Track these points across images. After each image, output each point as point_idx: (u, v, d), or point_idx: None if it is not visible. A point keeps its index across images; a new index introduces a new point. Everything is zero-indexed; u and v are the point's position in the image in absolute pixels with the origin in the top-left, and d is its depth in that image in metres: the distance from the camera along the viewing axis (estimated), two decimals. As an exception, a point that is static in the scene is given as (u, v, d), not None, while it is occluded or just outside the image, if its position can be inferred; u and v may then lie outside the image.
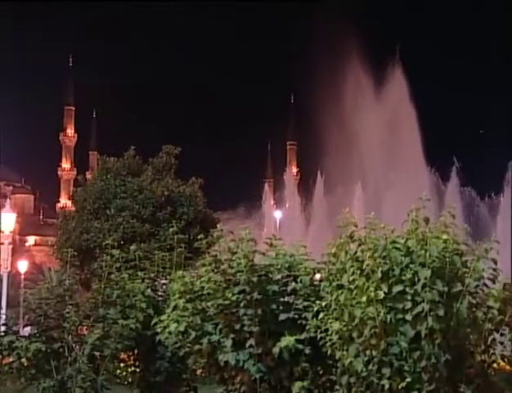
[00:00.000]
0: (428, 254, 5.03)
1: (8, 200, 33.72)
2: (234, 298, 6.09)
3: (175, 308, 6.55)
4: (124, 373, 16.37)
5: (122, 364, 9.21)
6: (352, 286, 5.20)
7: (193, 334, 6.31)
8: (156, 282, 8.67)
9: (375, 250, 5.16)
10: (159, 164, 31.92)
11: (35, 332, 8.05)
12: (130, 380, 9.98)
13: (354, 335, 5.12)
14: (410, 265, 5.05)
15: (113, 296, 8.20)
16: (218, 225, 7.09)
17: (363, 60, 38.92)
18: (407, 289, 4.98)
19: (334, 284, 5.44)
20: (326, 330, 5.42)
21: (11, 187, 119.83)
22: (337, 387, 5.38)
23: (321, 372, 6.06)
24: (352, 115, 38.22)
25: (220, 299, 6.20)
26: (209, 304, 6.30)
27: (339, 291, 5.31)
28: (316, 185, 41.35)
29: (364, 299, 5.02)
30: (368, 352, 4.99)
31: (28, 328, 8.30)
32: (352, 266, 5.26)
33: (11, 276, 33.40)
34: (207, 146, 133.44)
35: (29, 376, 7.86)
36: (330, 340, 5.35)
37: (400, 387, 4.87)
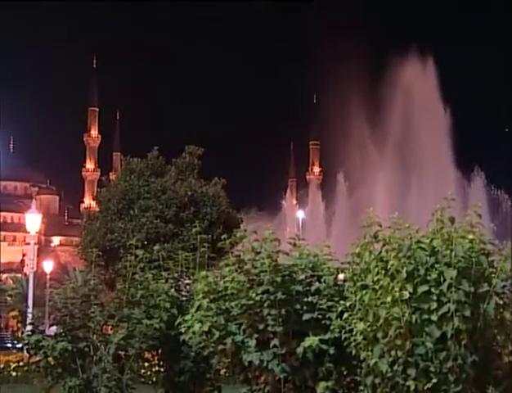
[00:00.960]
0: (453, 254, 4.98)
1: (34, 200, 34.14)
2: (258, 298, 6.08)
3: (199, 308, 6.57)
4: (149, 373, 16.49)
5: (146, 364, 9.25)
6: (376, 287, 5.16)
7: (217, 334, 6.32)
8: (180, 282, 8.69)
9: (399, 250, 5.12)
10: (182, 165, 32.06)
11: (61, 331, 8.11)
12: (154, 379, 10.04)
13: (379, 335, 5.08)
14: (436, 265, 5.00)
15: (137, 296, 8.24)
16: (242, 225, 7.09)
17: (387, 58, 38.69)
18: (433, 289, 4.93)
19: (359, 284, 5.41)
20: (351, 330, 5.39)
21: (36, 188, 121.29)
22: (361, 388, 5.35)
23: (345, 373, 6.03)
24: (375, 114, 38.02)
25: (244, 299, 6.20)
26: (233, 304, 6.30)
27: (364, 292, 5.28)
28: (339, 185, 41.20)
29: (389, 299, 4.98)
30: (393, 353, 4.95)
31: (54, 328, 8.38)
32: (376, 266, 5.22)
33: (36, 276, 33.79)
34: (230, 146, 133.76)
35: (56, 374, 7.93)
36: (355, 340, 5.32)
37: (426, 388, 4.82)
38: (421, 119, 35.73)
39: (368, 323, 5.18)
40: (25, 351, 8.99)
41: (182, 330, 6.74)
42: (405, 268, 5.01)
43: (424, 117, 35.73)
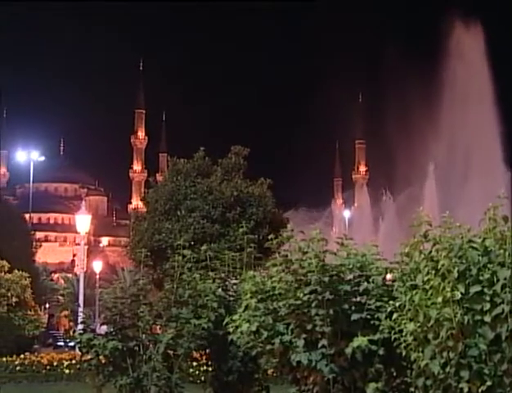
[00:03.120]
0: (507, 253, 4.86)
1: (83, 202, 34.83)
2: (305, 298, 6.05)
3: (247, 308, 6.58)
4: (197, 372, 16.67)
5: (195, 363, 9.33)
6: (426, 287, 5.08)
7: (265, 334, 6.31)
8: (227, 282, 8.73)
9: (450, 249, 5.03)
10: (228, 165, 32.18)
11: (111, 330, 8.24)
12: (203, 379, 10.12)
13: (430, 336, 5.00)
14: (488, 265, 4.89)
15: (185, 296, 8.30)
16: (288, 225, 7.07)
17: (434, 57, 38.09)
18: (486, 290, 4.82)
19: (408, 284, 5.33)
20: (400, 331, 5.32)
21: (85, 190, 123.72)
22: (412, 390, 5.26)
23: (395, 374, 5.95)
24: (424, 112, 37.47)
25: (291, 299, 6.18)
26: (281, 304, 6.29)
27: (414, 292, 5.20)
28: (386, 184, 40.76)
29: (440, 299, 4.90)
30: (445, 354, 4.86)
31: (104, 327, 8.51)
32: (426, 266, 5.14)
33: (86, 276, 34.49)
34: (276, 146, 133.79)
35: (107, 373, 8.06)
36: (405, 341, 5.25)
37: (480, 391, 4.72)
38: (472, 116, 35.00)
39: (418, 324, 5.10)
40: (77, 350, 9.17)
41: (230, 330, 6.77)
42: (456, 268, 4.91)
43: (475, 110, 34.97)
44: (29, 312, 34.66)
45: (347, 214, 54.60)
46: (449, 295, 4.86)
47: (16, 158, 67.78)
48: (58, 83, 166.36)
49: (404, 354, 5.30)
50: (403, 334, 5.26)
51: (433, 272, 5.06)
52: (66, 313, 53.64)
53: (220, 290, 8.43)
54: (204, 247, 9.04)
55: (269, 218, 30.18)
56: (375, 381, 5.79)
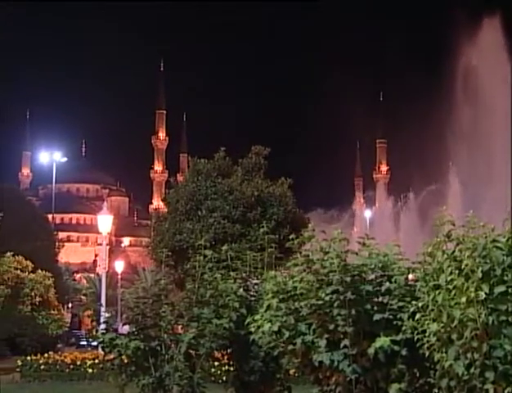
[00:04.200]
0: (532, 253, 4.80)
1: (105, 202, 35.09)
2: (327, 298, 6.03)
3: (268, 308, 6.57)
4: (219, 372, 16.69)
5: (216, 363, 9.35)
6: (450, 287, 5.03)
7: (287, 334, 6.30)
8: (248, 282, 8.72)
9: (474, 249, 4.97)
10: (248, 165, 32.18)
11: (133, 330, 8.27)
12: (224, 379, 10.14)
13: (453, 337, 4.95)
14: (513, 265, 4.84)
15: (206, 296, 8.31)
16: (310, 225, 7.05)
17: (457, 54, 37.73)
18: (510, 290, 4.77)
19: (431, 284, 5.29)
20: (423, 331, 5.27)
21: (107, 190, 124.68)
22: (436, 391, 5.22)
23: (418, 375, 5.91)
24: (445, 110, 37.14)
25: (313, 299, 6.16)
26: (302, 304, 6.27)
27: (437, 292, 5.15)
28: (407, 183, 40.47)
29: (463, 300, 4.84)
30: (469, 355, 4.81)
31: (126, 326, 8.55)
32: (449, 266, 5.09)
33: (108, 275, 34.70)
34: (296, 145, 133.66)
35: (130, 372, 8.09)
36: (428, 341, 5.20)
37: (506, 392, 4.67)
38: (492, 113, 34.66)
39: (442, 324, 5.05)
40: (100, 349, 9.22)
41: (252, 330, 6.76)
42: (480, 268, 4.86)
43: (499, 112, 34.63)
44: (52, 311, 35.06)
45: (368, 213, 54.34)
46: (473, 295, 4.81)
47: (39, 159, 68.47)
48: (80, 84, 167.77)
49: (427, 354, 5.26)
50: (426, 334, 5.22)
51: (457, 272, 5.01)
52: (89, 312, 54.04)
53: (241, 290, 8.43)
54: (225, 247, 9.04)
55: (290, 218, 30.11)
56: (398, 382, 5.75)
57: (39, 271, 34.52)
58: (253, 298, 8.44)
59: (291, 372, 8.68)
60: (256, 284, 8.63)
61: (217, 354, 8.90)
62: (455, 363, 4.88)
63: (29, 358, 22.30)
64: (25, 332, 33.02)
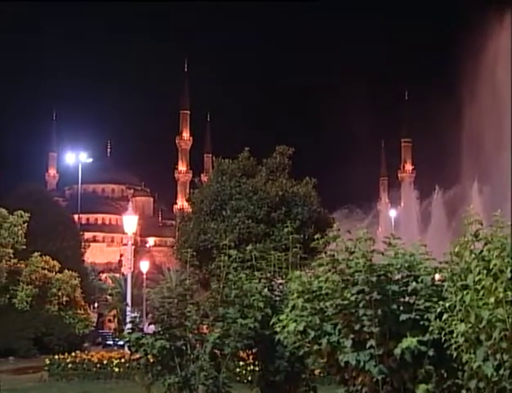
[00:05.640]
0: (561, 252, 4.72)
1: (130, 202, 35.34)
2: (353, 298, 5.99)
3: (293, 307, 6.55)
4: (244, 372, 16.69)
5: (242, 363, 9.35)
6: (478, 287, 4.97)
7: (312, 334, 6.28)
8: (273, 282, 8.71)
9: (502, 249, 4.91)
10: (272, 165, 32.15)
11: (159, 329, 8.32)
12: (249, 378, 10.14)
13: (482, 337, 4.89)
14: (542, 265, 4.76)
15: (231, 296, 8.32)
16: (334, 225, 7.01)
17: (481, 55, 37.31)
18: (540, 290, 4.70)
19: (459, 284, 5.23)
20: (451, 332, 5.21)
21: (132, 191, 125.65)
22: (464, 392, 5.16)
23: (445, 376, 5.84)
24: (471, 109, 36.74)
25: (338, 299, 6.13)
26: (328, 304, 6.24)
27: (464, 292, 5.09)
28: (433, 183, 40.09)
29: (492, 300, 4.78)
30: (498, 356, 4.74)
31: (152, 326, 8.60)
32: (477, 266, 5.03)
33: (134, 275, 34.94)
34: (321, 145, 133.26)
35: (156, 372, 8.13)
36: (456, 342, 5.14)
37: (535, 394, 4.60)
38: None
39: (469, 325, 4.99)
40: (126, 348, 9.28)
41: (277, 329, 6.75)
42: (509, 268, 4.80)
43: None
44: (78, 311, 35.44)
45: (393, 213, 53.96)
46: (502, 295, 4.74)
47: (65, 160, 69.23)
48: (105, 86, 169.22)
49: (455, 355, 5.20)
50: (454, 335, 5.16)
51: (485, 272, 4.94)
52: (115, 312, 54.48)
53: (266, 290, 8.42)
54: (249, 247, 9.04)
55: (314, 217, 30.02)
56: (425, 383, 5.69)
57: (66, 271, 34.89)
58: (277, 298, 8.43)
59: (316, 372, 8.65)
60: (281, 284, 8.61)
61: (242, 354, 8.89)
62: (484, 364, 4.82)
63: (56, 357, 22.57)
64: (53, 331, 33.44)
